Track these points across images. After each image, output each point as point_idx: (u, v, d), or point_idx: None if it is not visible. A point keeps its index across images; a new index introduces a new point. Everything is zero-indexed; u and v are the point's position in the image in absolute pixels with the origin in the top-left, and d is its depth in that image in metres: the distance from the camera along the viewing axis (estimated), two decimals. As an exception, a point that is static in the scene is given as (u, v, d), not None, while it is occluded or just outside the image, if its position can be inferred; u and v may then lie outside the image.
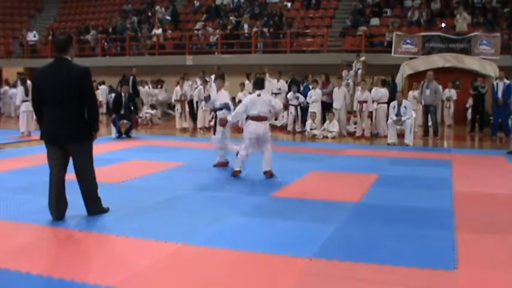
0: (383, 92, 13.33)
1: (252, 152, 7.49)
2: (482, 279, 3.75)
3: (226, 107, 8.10)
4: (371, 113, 13.26)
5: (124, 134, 12.56)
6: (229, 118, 7.64)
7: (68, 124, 4.96)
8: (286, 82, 15.70)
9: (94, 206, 5.25)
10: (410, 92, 14.19)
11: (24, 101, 12.75)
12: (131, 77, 15.52)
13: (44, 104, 5.02)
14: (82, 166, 5.12)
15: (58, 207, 5.06)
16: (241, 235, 4.72)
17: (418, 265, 3.91)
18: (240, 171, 7.49)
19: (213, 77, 15.88)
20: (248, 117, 7.37)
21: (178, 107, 15.01)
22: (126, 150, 10.37)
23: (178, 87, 15.13)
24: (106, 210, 5.34)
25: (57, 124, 4.97)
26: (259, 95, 7.41)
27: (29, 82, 13.36)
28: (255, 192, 6.53)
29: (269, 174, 7.39)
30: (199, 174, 7.79)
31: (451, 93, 15.65)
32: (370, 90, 13.52)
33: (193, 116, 15.33)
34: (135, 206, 5.63)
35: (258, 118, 7.30)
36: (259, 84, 7.67)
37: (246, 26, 20.55)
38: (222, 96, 8.29)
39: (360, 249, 4.31)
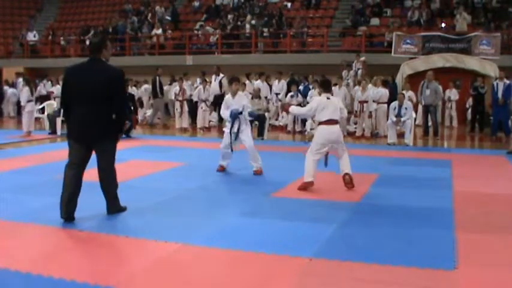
0: (383, 92, 13.33)
1: (320, 158, 6.80)
2: (482, 279, 3.75)
3: (244, 109, 7.68)
4: (371, 112, 13.26)
5: (124, 134, 12.54)
6: (293, 110, 7.29)
7: (97, 123, 5.01)
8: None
9: (113, 205, 5.33)
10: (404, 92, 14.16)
11: (29, 101, 12.79)
12: (157, 77, 15.55)
13: (73, 102, 5.04)
14: (105, 165, 5.18)
15: (69, 205, 5.03)
16: (241, 235, 4.72)
17: (418, 265, 3.91)
18: (312, 183, 6.66)
19: (213, 77, 15.94)
20: (319, 123, 6.82)
21: (177, 106, 15.03)
22: (126, 150, 10.35)
23: (177, 87, 15.17)
24: (124, 209, 5.42)
25: (87, 123, 5.00)
26: (328, 98, 6.76)
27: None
28: (255, 192, 6.53)
29: (349, 177, 6.72)
30: (199, 174, 7.78)
31: (451, 93, 15.56)
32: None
33: (193, 116, 15.35)
34: (135, 206, 5.62)
35: (330, 122, 6.71)
36: (327, 87, 7.06)
37: (247, 26, 20.54)
38: (239, 100, 7.79)
39: (360, 249, 4.31)
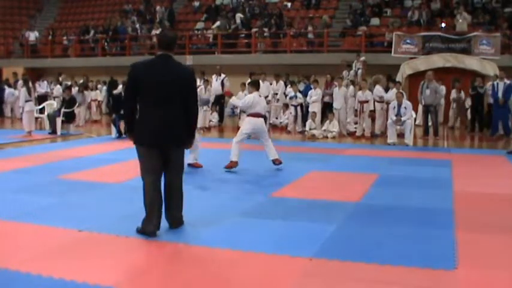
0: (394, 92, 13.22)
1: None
2: (482, 279, 3.75)
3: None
4: (372, 112, 13.23)
5: (124, 134, 12.55)
6: (233, 100, 8.80)
7: (174, 126, 4.57)
8: (284, 83, 15.73)
9: (177, 218, 4.86)
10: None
11: (27, 101, 12.76)
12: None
13: (146, 103, 4.55)
14: (174, 177, 4.74)
15: (157, 221, 4.65)
16: (241, 235, 4.73)
17: (418, 265, 3.92)
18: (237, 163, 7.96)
19: (214, 76, 15.95)
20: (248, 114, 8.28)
21: None
22: (126, 150, 10.32)
23: None
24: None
25: (163, 125, 4.52)
26: (259, 96, 8.38)
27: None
28: (255, 192, 6.53)
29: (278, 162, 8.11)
30: (199, 174, 7.79)
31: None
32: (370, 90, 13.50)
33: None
34: (135, 206, 5.59)
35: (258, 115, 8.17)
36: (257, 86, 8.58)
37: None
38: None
39: (360, 249, 4.31)
